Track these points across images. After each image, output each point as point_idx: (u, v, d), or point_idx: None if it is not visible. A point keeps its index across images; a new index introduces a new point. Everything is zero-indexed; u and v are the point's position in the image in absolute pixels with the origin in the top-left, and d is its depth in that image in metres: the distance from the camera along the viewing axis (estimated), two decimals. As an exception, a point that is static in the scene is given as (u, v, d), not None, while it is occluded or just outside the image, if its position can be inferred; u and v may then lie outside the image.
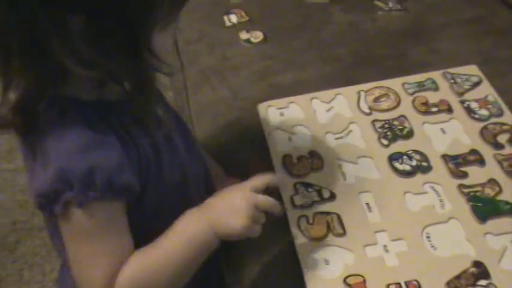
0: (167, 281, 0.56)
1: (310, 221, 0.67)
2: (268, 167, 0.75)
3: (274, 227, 0.69)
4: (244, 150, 0.79)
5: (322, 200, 0.70)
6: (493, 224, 0.66)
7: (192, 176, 0.65)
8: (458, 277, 0.61)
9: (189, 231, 0.56)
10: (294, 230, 0.67)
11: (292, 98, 0.84)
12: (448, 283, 0.61)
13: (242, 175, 0.75)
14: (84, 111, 0.52)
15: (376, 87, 0.84)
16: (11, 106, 0.50)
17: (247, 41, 0.97)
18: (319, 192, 0.71)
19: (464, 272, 0.62)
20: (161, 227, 0.57)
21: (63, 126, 0.51)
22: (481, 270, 0.61)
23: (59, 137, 0.51)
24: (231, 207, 0.57)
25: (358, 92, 0.84)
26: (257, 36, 0.98)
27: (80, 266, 0.54)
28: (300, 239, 0.66)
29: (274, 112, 0.82)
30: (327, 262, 0.64)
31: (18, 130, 0.53)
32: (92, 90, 0.53)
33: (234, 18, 1.02)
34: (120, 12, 0.45)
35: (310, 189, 0.71)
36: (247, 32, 0.99)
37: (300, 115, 0.82)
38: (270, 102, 0.84)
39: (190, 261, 0.56)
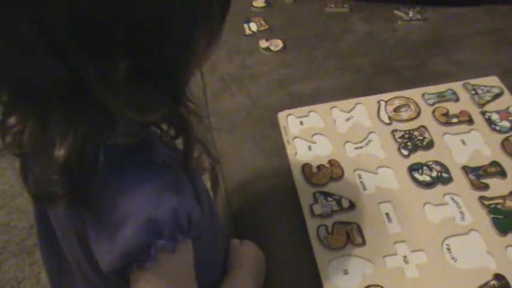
0: None
1: (330, 231, 0.68)
2: (287, 176, 0.75)
3: (293, 236, 0.69)
4: (263, 158, 0.80)
5: (342, 209, 0.70)
6: (514, 237, 0.65)
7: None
8: (479, 290, 0.61)
9: None
10: (313, 240, 0.67)
11: (312, 107, 0.84)
12: (469, 296, 0.60)
13: (260, 183, 0.77)
14: (134, 156, 0.49)
15: (396, 97, 0.84)
16: (61, 165, 0.44)
17: (267, 49, 0.98)
18: (339, 201, 0.71)
19: (485, 284, 0.61)
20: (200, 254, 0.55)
21: (125, 177, 0.48)
22: (502, 284, 0.61)
23: (127, 188, 0.47)
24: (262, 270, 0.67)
25: (378, 102, 0.84)
26: (277, 44, 0.98)
27: None
28: (319, 249, 0.66)
29: (294, 121, 0.83)
30: (346, 272, 0.64)
31: (70, 198, 0.46)
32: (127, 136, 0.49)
33: (253, 27, 1.03)
34: (165, 56, 0.44)
35: (329, 199, 0.71)
36: (267, 40, 0.99)
37: (319, 124, 0.82)
38: (289, 110, 0.84)
39: None
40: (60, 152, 0.43)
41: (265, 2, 1.09)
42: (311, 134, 0.80)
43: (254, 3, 1.09)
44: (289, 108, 0.85)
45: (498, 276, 0.62)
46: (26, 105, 0.45)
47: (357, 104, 0.84)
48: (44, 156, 0.45)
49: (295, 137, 0.80)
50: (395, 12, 1.04)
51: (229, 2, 0.49)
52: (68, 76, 0.41)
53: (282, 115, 0.84)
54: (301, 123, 0.82)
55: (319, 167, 0.75)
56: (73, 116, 0.43)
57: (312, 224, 0.69)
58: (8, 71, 0.43)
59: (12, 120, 0.48)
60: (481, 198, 0.69)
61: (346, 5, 1.06)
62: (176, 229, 0.48)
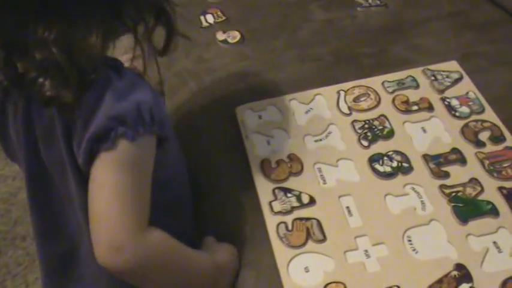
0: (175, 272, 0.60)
1: (290, 228, 0.66)
2: (246, 173, 0.73)
3: (252, 234, 0.68)
4: (222, 154, 0.78)
5: (302, 205, 0.68)
6: (474, 225, 0.64)
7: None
8: (440, 281, 0.60)
9: (205, 268, 0.64)
10: (273, 238, 0.65)
11: (270, 100, 0.82)
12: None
13: (218, 180, 0.75)
14: (106, 60, 0.57)
15: (355, 87, 0.83)
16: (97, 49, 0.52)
17: (225, 41, 0.95)
18: (299, 197, 0.69)
19: (446, 275, 0.60)
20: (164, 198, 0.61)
21: (101, 75, 0.55)
22: (463, 274, 0.60)
23: (102, 85, 0.54)
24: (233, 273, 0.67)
25: (338, 92, 0.82)
26: (234, 36, 0.96)
27: (119, 199, 0.54)
28: (279, 247, 0.64)
29: (252, 115, 0.81)
30: (307, 270, 0.62)
31: (74, 92, 0.53)
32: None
33: (210, 18, 1.00)
34: None
35: (289, 195, 0.69)
36: (224, 32, 0.96)
37: (278, 117, 0.80)
38: (248, 104, 0.82)
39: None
40: (96, 39, 0.52)
41: (222, -8, 1.06)
42: (270, 128, 0.78)
43: (211, -6, 1.06)
44: (248, 101, 0.83)
45: (459, 266, 0.61)
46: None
47: (316, 95, 0.82)
48: (75, 49, 0.52)
49: (254, 132, 0.78)
50: (355, -2, 1.02)
51: None
52: None
53: (240, 109, 0.82)
54: (260, 117, 0.80)
55: (278, 162, 0.73)
56: (91, 13, 0.52)
57: (271, 222, 0.67)
58: None
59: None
60: (441, 186, 0.68)
61: (305, -7, 1.04)
62: (138, 120, 0.54)
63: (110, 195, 0.54)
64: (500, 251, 0.62)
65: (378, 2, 1.00)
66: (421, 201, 0.68)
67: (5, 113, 0.64)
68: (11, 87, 0.60)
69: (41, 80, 0.53)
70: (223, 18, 1.00)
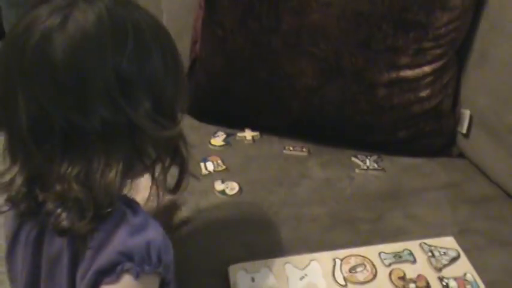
0: None
1: None
2: None
3: None
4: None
5: None
6: None
7: None
8: None
9: None
10: None
11: (264, 262, 0.80)
12: None
13: None
14: (122, 198, 0.59)
15: (352, 256, 0.81)
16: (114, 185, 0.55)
17: (223, 192, 0.95)
18: None
19: None
20: None
21: (117, 211, 0.57)
22: None
23: (116, 222, 0.56)
24: None
25: (334, 260, 0.81)
26: (233, 187, 0.95)
27: None
28: None
29: (245, 277, 0.78)
30: None
31: (89, 224, 0.55)
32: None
33: (210, 166, 1.01)
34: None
35: None
36: (223, 182, 0.96)
37: (271, 282, 0.77)
38: (241, 264, 0.80)
39: None
40: (115, 177, 0.55)
41: (224, 140, 1.08)
42: (262, 293, 0.75)
43: (212, 142, 1.07)
44: (242, 259, 0.81)
45: None
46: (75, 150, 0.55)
47: (312, 260, 0.81)
48: (92, 185, 0.55)
49: (246, 297, 0.75)
50: (353, 159, 1.04)
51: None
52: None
53: (232, 269, 0.79)
54: (253, 279, 0.78)
55: (268, 335, 0.70)
56: (112, 152, 0.55)
57: None
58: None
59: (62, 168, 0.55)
60: None
61: (304, 149, 1.06)
62: (145, 259, 0.55)
63: None
64: None
65: (376, 166, 1.02)
66: None
67: (17, 240, 0.64)
68: (28, 215, 0.61)
69: (58, 210, 0.55)
70: (223, 167, 1.00)
